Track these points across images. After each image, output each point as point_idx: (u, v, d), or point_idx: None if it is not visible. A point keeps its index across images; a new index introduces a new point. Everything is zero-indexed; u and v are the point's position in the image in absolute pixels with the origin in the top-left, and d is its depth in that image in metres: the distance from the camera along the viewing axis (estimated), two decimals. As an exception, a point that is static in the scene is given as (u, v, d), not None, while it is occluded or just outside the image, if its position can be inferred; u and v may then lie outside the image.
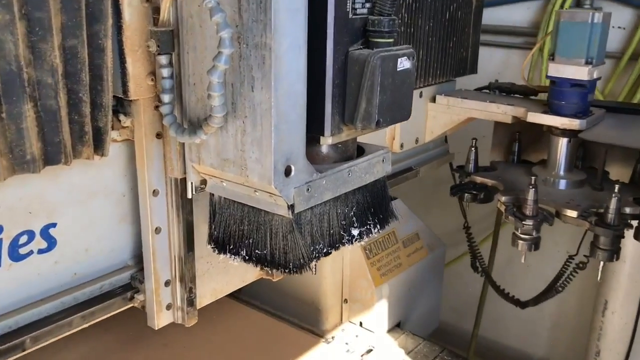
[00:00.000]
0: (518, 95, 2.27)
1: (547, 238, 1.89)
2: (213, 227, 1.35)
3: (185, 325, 1.52)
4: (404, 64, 1.21)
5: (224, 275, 1.62)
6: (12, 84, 1.05)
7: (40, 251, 1.30)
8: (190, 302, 1.51)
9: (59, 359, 1.98)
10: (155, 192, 1.39)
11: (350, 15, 1.18)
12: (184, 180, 1.37)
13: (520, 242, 1.86)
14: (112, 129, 1.32)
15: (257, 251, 1.27)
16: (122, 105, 1.34)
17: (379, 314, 2.26)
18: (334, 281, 2.26)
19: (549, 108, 1.96)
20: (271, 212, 1.22)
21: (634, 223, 1.87)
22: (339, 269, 2.27)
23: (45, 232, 1.30)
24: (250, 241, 1.28)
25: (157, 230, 1.42)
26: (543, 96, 2.23)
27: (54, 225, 1.31)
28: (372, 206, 1.40)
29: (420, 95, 2.20)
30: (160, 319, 1.49)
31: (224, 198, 1.30)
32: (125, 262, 1.49)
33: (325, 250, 1.31)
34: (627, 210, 1.83)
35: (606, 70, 2.76)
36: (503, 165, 2.22)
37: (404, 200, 2.44)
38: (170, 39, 1.21)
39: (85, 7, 1.13)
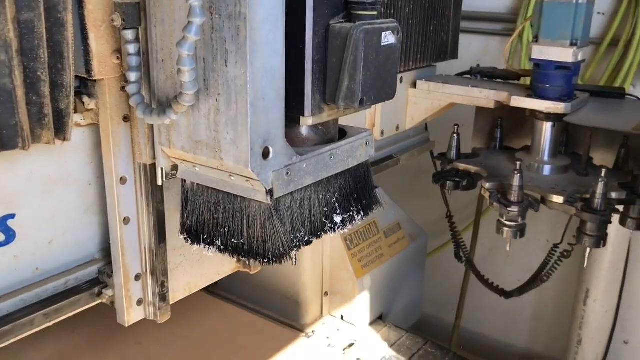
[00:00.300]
0: (500, 80, 2.22)
1: (528, 227, 1.85)
2: (185, 215, 1.27)
3: (158, 322, 1.44)
4: (388, 38, 1.14)
5: (198, 268, 1.53)
6: (-42, 59, 0.95)
7: (-2, 244, 1.20)
8: (163, 297, 1.42)
9: (23, 361, 1.88)
10: (122, 180, 1.30)
11: (331, -14, 1.10)
12: (153, 167, 1.29)
13: (506, 229, 1.82)
14: (75, 111, 1.23)
15: (233, 240, 1.19)
16: (85, 86, 1.24)
17: (361, 306, 2.20)
18: (313, 273, 2.19)
19: (533, 92, 1.92)
20: (248, 198, 1.14)
21: (620, 208, 1.84)
22: (319, 261, 2.20)
23: (2, 224, 1.21)
24: (226, 230, 1.19)
25: (126, 221, 1.33)
26: (526, 83, 2.20)
27: (12, 216, 1.22)
28: (355, 192, 1.33)
29: (401, 81, 2.14)
30: (131, 315, 1.40)
31: (197, 184, 1.22)
32: (93, 255, 1.40)
33: (306, 239, 1.24)
34: (613, 195, 1.79)
35: (586, 58, 2.74)
36: (486, 152, 2.17)
37: (385, 190, 2.37)
38: (136, 12, 1.12)
39: (41, -24, 1.03)
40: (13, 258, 1.24)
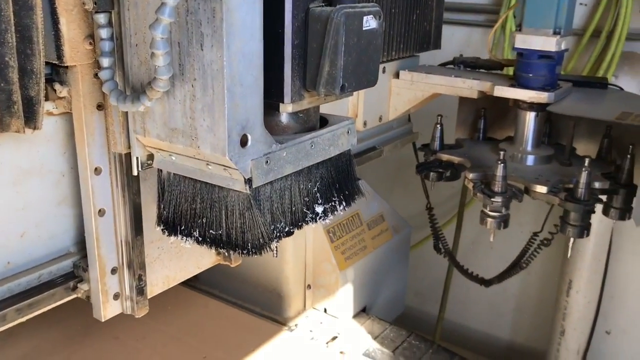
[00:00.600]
0: (483, 70, 2.20)
1: (512, 219, 1.84)
2: (162, 206, 1.23)
3: (135, 316, 1.40)
4: (370, 23, 1.11)
5: (177, 261, 1.50)
6: None
7: (-34, 237, 1.16)
8: (140, 291, 1.39)
9: (-2, 358, 1.84)
10: (97, 170, 1.25)
11: (310, -32, 1.07)
12: (129, 156, 1.25)
13: (489, 219, 1.80)
14: (47, 99, 1.19)
15: (211, 231, 1.15)
16: (57, 72, 1.20)
17: (344, 299, 2.18)
18: (296, 266, 2.16)
19: (516, 81, 1.90)
20: (226, 187, 1.10)
21: (603, 198, 1.84)
22: (302, 254, 2.17)
23: (-30, 216, 1.16)
24: (204, 221, 1.16)
25: (101, 213, 1.28)
26: (509, 73, 2.18)
27: (-20, 207, 1.17)
28: (337, 181, 1.30)
29: (384, 71, 2.11)
30: (107, 310, 1.36)
31: (174, 174, 1.18)
32: (67, 248, 1.36)
33: (287, 229, 1.20)
34: (597, 185, 1.78)
35: (569, 48, 2.74)
36: (469, 143, 2.15)
37: (368, 181, 2.35)
38: (108, -5, 1.08)
39: (7, -44, 0.99)
40: (-18, 251, 1.20)
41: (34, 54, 1.08)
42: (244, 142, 1.03)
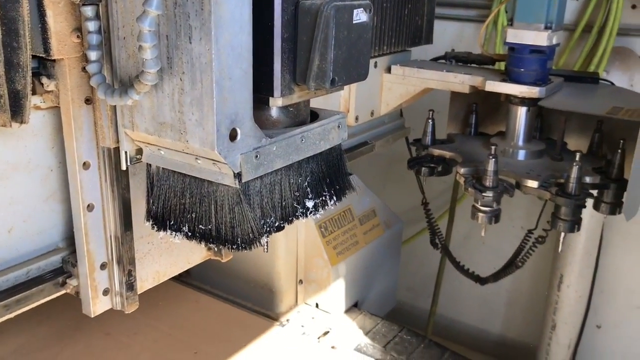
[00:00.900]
0: (475, 65, 2.20)
1: (503, 214, 1.84)
2: (151, 201, 1.22)
3: (125, 312, 1.39)
4: (360, 16, 1.10)
5: (167, 256, 1.49)
6: None
7: (-48, 233, 1.15)
8: (130, 287, 1.38)
9: (-13, 354, 1.82)
10: (85, 165, 1.24)
11: (300, -39, 1.06)
12: (118, 151, 1.24)
13: (480, 214, 1.80)
14: (34, 93, 1.18)
15: (200, 226, 1.15)
16: (44, 66, 1.19)
17: (336, 294, 2.18)
18: (288, 261, 2.16)
19: (508, 76, 1.90)
20: (215, 182, 1.10)
21: (594, 193, 1.84)
22: (293, 249, 2.16)
23: (-43, 211, 1.15)
24: (193, 216, 1.15)
25: (90, 208, 1.27)
26: (500, 68, 2.18)
27: (-34, 203, 1.16)
28: (327, 176, 1.29)
29: (375, 66, 2.10)
30: (97, 305, 1.35)
31: (163, 168, 1.17)
32: (56, 244, 1.35)
33: (277, 224, 1.20)
34: (587, 179, 1.79)
35: (560, 42, 2.74)
36: (461, 138, 2.15)
37: (360, 176, 2.35)
38: (96, -13, 1.07)
39: (-8, -53, 0.98)
40: (-31, 247, 1.19)
41: (20, 47, 1.07)
42: (233, 136, 1.02)
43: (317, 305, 2.22)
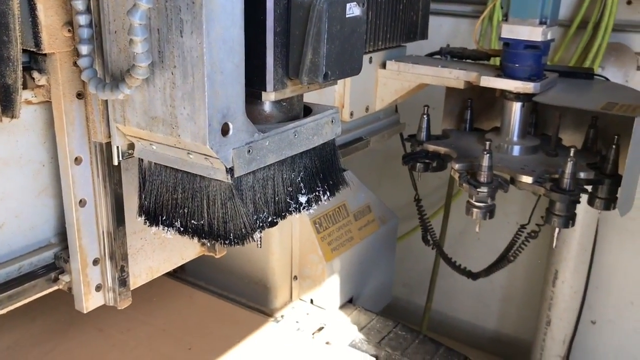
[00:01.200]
0: (470, 60, 2.19)
1: (497, 209, 1.84)
2: (143, 196, 1.21)
3: (118, 308, 1.39)
4: (353, 10, 1.10)
5: (160, 252, 1.48)
6: None
7: (-58, 228, 1.14)
8: (123, 282, 1.37)
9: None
10: (77, 160, 1.23)
11: (292, -46, 1.05)
12: (110, 146, 1.23)
13: (475, 210, 1.80)
14: (25, 88, 1.17)
15: (193, 222, 1.14)
16: (35, 60, 1.18)
17: (331, 290, 2.17)
18: (282, 257, 2.15)
19: (502, 71, 1.90)
20: (207, 177, 1.09)
21: (589, 189, 1.84)
22: (288, 245, 2.16)
23: (-53, 207, 1.14)
24: (185, 211, 1.15)
25: (82, 203, 1.27)
26: (495, 63, 2.18)
27: (-43, 198, 1.15)
28: (321, 171, 1.29)
29: (370, 61, 2.10)
30: (89, 301, 1.34)
31: (155, 163, 1.17)
32: (48, 239, 1.34)
33: (270, 220, 1.19)
34: (582, 175, 1.79)
35: (555, 38, 2.74)
36: (455, 133, 2.15)
37: (355, 172, 2.35)
38: (86, -20, 1.06)
39: (-20, -61, 0.97)
40: (-40, 242, 1.18)
41: (10, 41, 1.06)
42: (225, 130, 1.02)
43: (311, 301, 2.22)
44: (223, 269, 2.23)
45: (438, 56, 2.25)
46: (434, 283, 3.25)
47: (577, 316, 2.92)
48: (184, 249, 1.54)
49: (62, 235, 1.34)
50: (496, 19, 2.80)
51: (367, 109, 2.18)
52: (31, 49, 1.13)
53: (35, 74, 1.18)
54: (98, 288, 1.35)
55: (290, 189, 1.22)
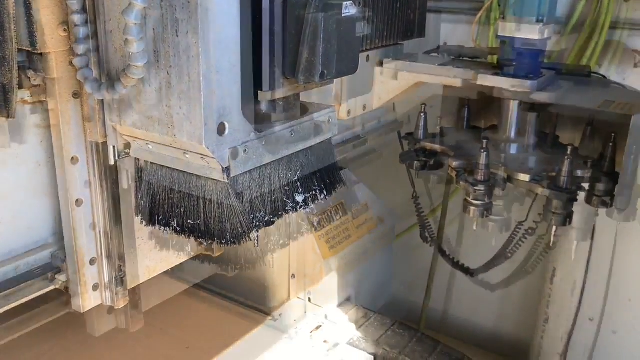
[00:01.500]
0: (467, 59, 2.19)
1: (496, 208, 1.84)
2: (140, 196, 1.21)
3: (115, 307, 1.39)
4: (349, 9, 1.10)
5: (158, 251, 1.48)
6: None
7: (-62, 228, 1.14)
8: (120, 282, 1.37)
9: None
10: (74, 160, 1.24)
11: (288, -46, 1.05)
12: (106, 145, 1.23)
13: (472, 208, 1.80)
14: (21, 87, 1.17)
15: (189, 221, 1.14)
16: (31, 60, 1.18)
17: (328, 288, 2.17)
18: (280, 256, 2.15)
19: (500, 70, 1.90)
20: (204, 176, 1.09)
21: (586, 187, 1.84)
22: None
23: (-57, 207, 1.14)
24: (182, 210, 1.15)
25: (78, 203, 1.27)
26: (493, 61, 2.17)
27: (-47, 198, 1.15)
28: (317, 170, 1.28)
29: (367, 59, 2.09)
30: (86, 301, 1.35)
31: (151, 163, 1.16)
32: (45, 239, 1.34)
33: (266, 219, 1.19)
34: (579, 173, 1.79)
35: (552, 36, 2.73)
36: (453, 131, 2.15)
37: (352, 170, 2.34)
38: (82, -20, 1.06)
39: (-25, -62, 0.96)
40: (-44, 243, 1.18)
41: (5, 40, 1.06)
42: (221, 130, 1.02)
43: (309, 300, 2.22)
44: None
45: (435, 54, 2.25)
46: (432, 281, 3.25)
47: (575, 313, 2.92)
48: (182, 248, 1.54)
49: (58, 234, 1.34)
50: (494, 17, 2.79)
51: (364, 108, 2.17)
52: (27, 49, 1.13)
53: (31, 74, 1.18)
54: (95, 287, 1.35)
55: (287, 188, 1.22)
